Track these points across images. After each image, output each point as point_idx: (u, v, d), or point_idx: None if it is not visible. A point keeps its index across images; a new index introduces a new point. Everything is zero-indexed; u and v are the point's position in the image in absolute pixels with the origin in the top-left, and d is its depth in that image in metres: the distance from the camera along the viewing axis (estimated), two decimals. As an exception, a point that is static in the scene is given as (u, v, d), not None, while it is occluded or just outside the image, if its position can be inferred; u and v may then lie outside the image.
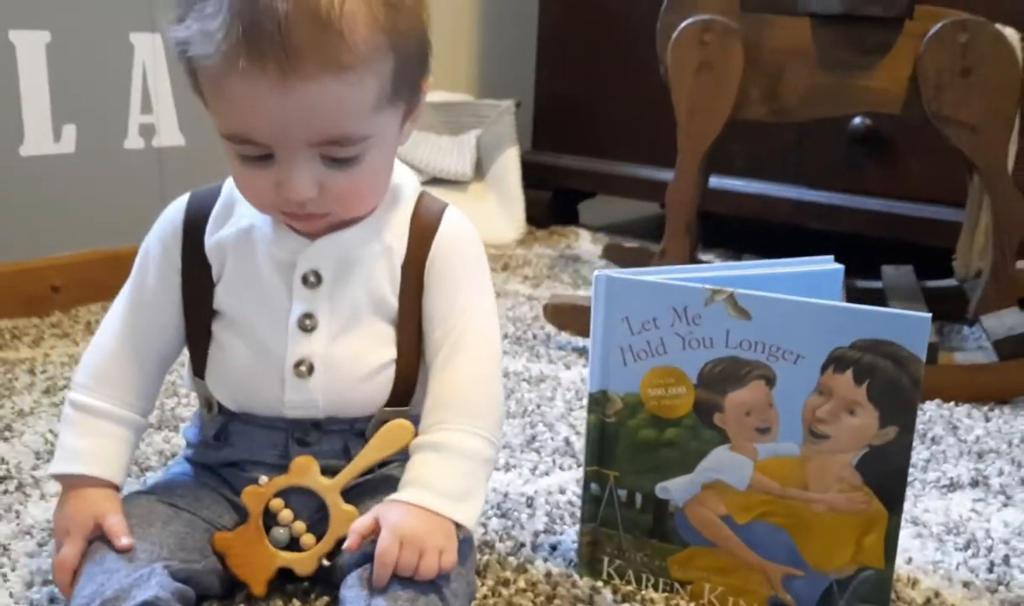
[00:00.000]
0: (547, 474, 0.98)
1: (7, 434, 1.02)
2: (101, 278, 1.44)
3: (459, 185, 1.99)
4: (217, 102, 0.68)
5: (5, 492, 0.90)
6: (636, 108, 2.00)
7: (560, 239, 2.06)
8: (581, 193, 2.23)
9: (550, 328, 1.41)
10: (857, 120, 1.71)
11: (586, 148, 2.11)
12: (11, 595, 0.75)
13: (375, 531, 0.67)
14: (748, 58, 1.31)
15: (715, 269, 0.82)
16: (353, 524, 0.69)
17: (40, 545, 0.82)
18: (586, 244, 2.04)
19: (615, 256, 1.77)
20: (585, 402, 1.16)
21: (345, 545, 0.69)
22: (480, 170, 2.06)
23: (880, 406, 0.69)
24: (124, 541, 0.69)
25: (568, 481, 0.96)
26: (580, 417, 1.12)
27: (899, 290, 1.48)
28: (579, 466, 0.99)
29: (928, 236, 1.66)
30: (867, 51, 1.28)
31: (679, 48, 1.32)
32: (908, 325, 0.67)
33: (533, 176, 2.07)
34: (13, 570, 0.78)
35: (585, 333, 1.37)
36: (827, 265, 0.82)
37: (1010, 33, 1.27)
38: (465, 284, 0.76)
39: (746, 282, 0.75)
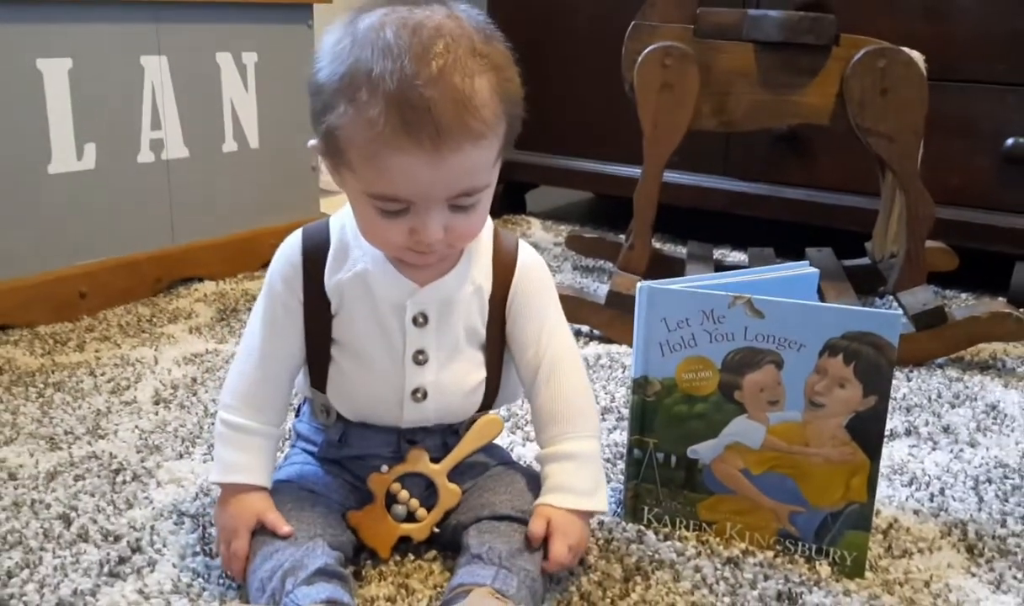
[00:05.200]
0: (573, 443, 1.17)
1: (100, 432, 1.15)
2: (122, 283, 1.56)
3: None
4: (370, 171, 0.77)
5: (124, 482, 1.04)
6: (576, 109, 2.16)
7: (515, 227, 2.22)
8: (528, 184, 2.38)
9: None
10: (780, 122, 1.93)
11: (532, 144, 2.23)
12: (174, 565, 0.89)
13: (548, 532, 0.85)
14: (701, 78, 1.48)
15: (725, 277, 1.02)
16: (531, 528, 0.85)
17: (176, 525, 0.96)
18: (539, 232, 2.20)
19: (576, 245, 1.93)
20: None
21: (531, 536, 0.85)
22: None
23: (864, 381, 0.89)
24: (286, 529, 0.84)
25: (592, 448, 1.15)
26: (585, 393, 1.31)
27: (824, 270, 1.66)
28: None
29: (840, 221, 1.89)
30: (801, 72, 1.47)
31: (644, 70, 1.48)
32: (885, 320, 0.88)
33: (485, 170, 2.22)
34: (165, 546, 0.92)
35: (570, 319, 1.55)
36: (805, 270, 1.04)
37: (916, 56, 1.48)
38: (548, 310, 0.92)
39: (749, 287, 0.95)
